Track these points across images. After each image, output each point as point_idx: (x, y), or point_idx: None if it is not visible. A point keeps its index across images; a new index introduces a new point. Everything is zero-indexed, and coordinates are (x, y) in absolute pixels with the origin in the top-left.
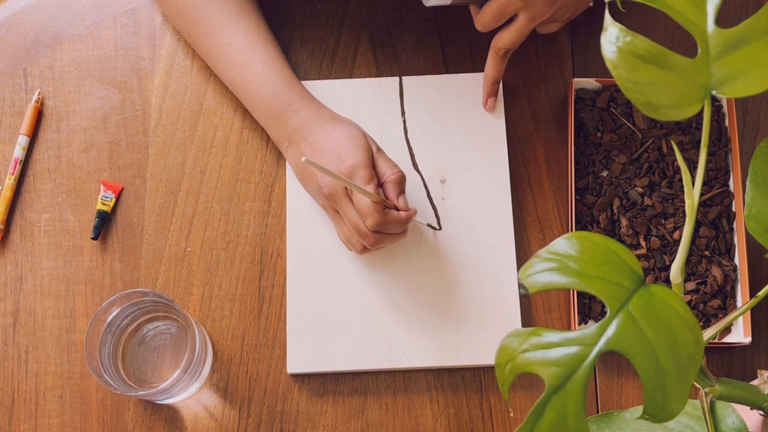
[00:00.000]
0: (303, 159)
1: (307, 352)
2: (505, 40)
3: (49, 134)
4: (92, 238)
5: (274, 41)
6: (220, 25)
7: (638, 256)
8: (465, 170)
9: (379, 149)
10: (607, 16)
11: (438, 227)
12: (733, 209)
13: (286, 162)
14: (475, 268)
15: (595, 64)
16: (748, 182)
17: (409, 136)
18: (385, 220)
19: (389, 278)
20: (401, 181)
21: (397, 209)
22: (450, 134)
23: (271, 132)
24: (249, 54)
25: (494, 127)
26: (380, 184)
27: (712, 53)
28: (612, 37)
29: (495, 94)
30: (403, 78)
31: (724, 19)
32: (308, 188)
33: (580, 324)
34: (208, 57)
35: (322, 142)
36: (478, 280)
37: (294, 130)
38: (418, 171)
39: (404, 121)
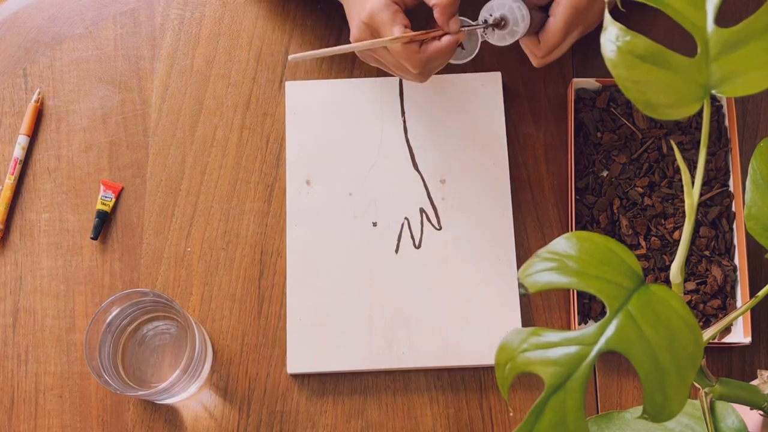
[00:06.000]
0: (290, 57)
1: (307, 352)
2: (556, 56)
3: (48, 134)
4: (92, 238)
5: None
6: None
7: (638, 256)
8: (465, 170)
9: None
10: (607, 16)
11: (438, 227)
12: (733, 209)
13: (287, 159)
14: (475, 268)
15: (595, 64)
16: (747, 182)
17: (409, 136)
18: (426, 57)
19: (389, 278)
20: (452, 2)
21: (442, 36)
22: (450, 134)
23: None
24: None
25: (494, 128)
26: (431, 8)
27: (711, 53)
28: (612, 37)
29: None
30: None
31: (724, 19)
32: (353, 20)
33: (579, 324)
34: None
35: None
36: (478, 280)
37: None
38: (418, 171)
39: (404, 121)
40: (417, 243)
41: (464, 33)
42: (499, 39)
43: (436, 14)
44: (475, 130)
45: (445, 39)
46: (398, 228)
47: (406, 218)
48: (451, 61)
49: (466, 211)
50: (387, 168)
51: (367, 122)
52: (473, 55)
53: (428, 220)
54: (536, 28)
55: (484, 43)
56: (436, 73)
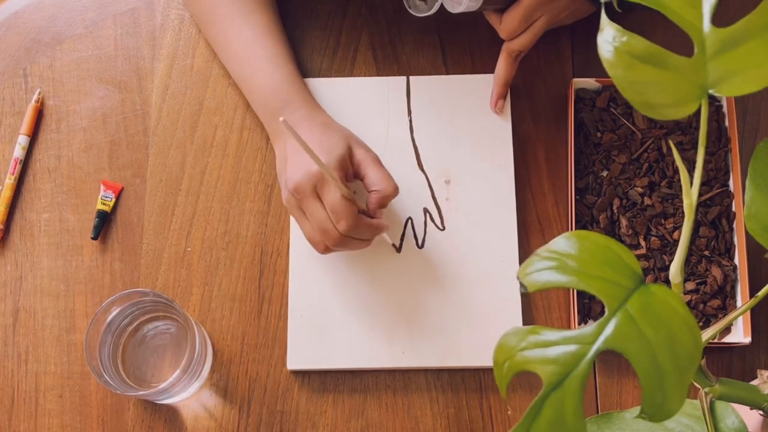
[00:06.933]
0: (281, 119)
1: (307, 348)
2: (520, 42)
3: (49, 134)
4: (92, 238)
5: (282, 38)
6: (231, 15)
7: (638, 256)
8: (470, 171)
9: (376, 159)
10: (603, 17)
11: (442, 227)
12: (733, 209)
13: None
14: (478, 269)
15: (595, 64)
16: (747, 182)
17: (414, 136)
18: (358, 224)
19: (392, 277)
20: (390, 196)
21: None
22: (456, 135)
23: (268, 126)
24: (256, 49)
25: (500, 129)
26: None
27: (708, 52)
28: (609, 37)
29: (505, 96)
30: (411, 77)
31: (725, 19)
32: (280, 180)
33: (579, 324)
34: (216, 45)
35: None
36: (480, 281)
37: None
38: (423, 171)
39: (410, 121)
40: (420, 243)
41: (387, 227)
42: (450, 5)
43: (371, 200)
44: (481, 131)
45: (377, 220)
46: (401, 227)
47: (409, 218)
48: (412, 12)
49: (470, 212)
50: (392, 167)
51: (373, 120)
52: (433, 11)
53: (432, 220)
54: (503, 5)
55: (486, 45)
56: (437, 73)
